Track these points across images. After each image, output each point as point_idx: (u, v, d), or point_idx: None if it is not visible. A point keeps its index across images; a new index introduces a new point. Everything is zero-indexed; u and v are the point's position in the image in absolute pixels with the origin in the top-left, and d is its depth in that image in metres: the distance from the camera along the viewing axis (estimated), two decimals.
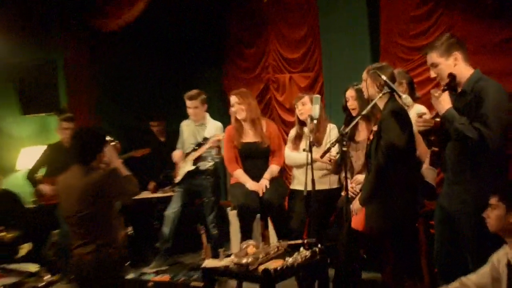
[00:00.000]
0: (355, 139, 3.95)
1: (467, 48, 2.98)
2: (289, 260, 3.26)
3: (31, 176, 5.18)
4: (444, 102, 2.88)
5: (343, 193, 3.73)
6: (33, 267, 4.19)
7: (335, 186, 4.17)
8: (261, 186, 4.32)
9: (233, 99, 4.44)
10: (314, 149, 3.62)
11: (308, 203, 3.64)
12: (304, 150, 3.66)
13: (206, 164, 4.98)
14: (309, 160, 3.45)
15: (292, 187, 4.39)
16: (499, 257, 2.58)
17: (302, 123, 4.28)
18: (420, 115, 3.08)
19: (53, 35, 6.02)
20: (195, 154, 4.96)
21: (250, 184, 4.34)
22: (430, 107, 3.53)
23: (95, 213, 3.00)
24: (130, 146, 5.67)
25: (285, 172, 5.28)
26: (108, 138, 3.26)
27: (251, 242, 3.55)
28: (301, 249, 3.40)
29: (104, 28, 5.72)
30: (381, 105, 3.32)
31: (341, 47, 5.12)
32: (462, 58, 2.92)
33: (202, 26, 6.52)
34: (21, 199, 5.29)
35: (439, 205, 3.09)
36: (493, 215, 2.59)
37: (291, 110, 5.14)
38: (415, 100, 3.77)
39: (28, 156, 5.71)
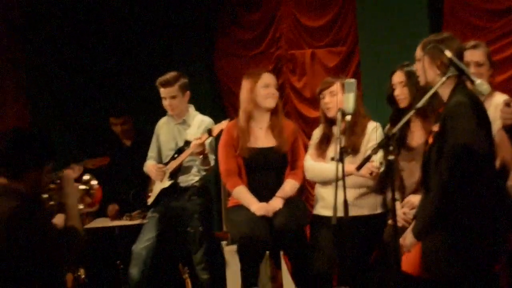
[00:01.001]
0: (407, 143, 3.96)
1: None
2: None
3: None
4: None
5: (389, 222, 3.71)
6: None
7: (378, 211, 4.18)
8: (271, 208, 4.32)
9: (269, 78, 4.49)
10: (347, 158, 3.64)
11: (338, 235, 3.62)
12: (332, 159, 3.61)
13: (190, 180, 4.98)
14: (340, 174, 3.41)
15: (315, 212, 4.40)
16: None
17: (330, 121, 4.28)
18: (508, 103, 3.07)
19: None
20: (172, 165, 4.96)
21: (256, 207, 4.33)
22: None
23: None
24: (81, 153, 5.67)
25: (305, 190, 5.27)
26: (87, 177, 3.24)
27: None
28: None
29: None
30: (444, 94, 3.32)
31: (385, 10, 5.13)
32: None
33: None
34: None
35: None
36: None
37: (314, 102, 5.16)
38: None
39: None
